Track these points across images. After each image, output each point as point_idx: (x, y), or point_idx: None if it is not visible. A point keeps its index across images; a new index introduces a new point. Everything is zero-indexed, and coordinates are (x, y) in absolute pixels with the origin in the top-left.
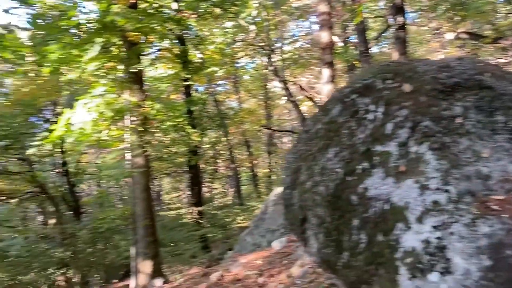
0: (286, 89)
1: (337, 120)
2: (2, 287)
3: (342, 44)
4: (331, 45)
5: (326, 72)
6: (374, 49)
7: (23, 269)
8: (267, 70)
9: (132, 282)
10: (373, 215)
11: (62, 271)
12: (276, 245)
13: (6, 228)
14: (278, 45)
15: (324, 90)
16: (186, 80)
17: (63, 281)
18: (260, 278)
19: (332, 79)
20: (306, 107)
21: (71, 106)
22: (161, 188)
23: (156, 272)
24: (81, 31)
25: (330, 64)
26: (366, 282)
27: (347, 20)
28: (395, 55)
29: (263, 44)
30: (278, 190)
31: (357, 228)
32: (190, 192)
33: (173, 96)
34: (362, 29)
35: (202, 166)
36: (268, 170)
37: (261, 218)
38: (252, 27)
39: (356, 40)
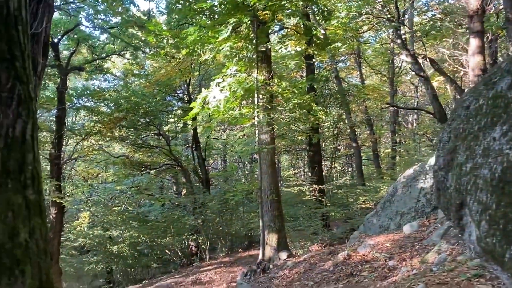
0: (416, 63)
1: (506, 95)
2: (144, 247)
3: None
4: (481, 11)
5: (474, 43)
6: None
7: (161, 233)
8: (393, 44)
9: (260, 252)
10: None
11: (193, 237)
12: (407, 229)
13: (146, 196)
14: (407, 16)
15: (471, 62)
16: (310, 57)
17: (194, 246)
18: (390, 261)
19: (481, 49)
20: (437, 83)
21: (202, 86)
22: (279, 165)
23: (281, 245)
24: (215, 13)
25: (479, 34)
26: None
27: None
28: None
29: (390, 16)
30: (408, 172)
31: None
32: (308, 170)
33: (293, 74)
34: None
35: (321, 144)
36: (391, 150)
37: (389, 200)
38: None
39: (501, 6)
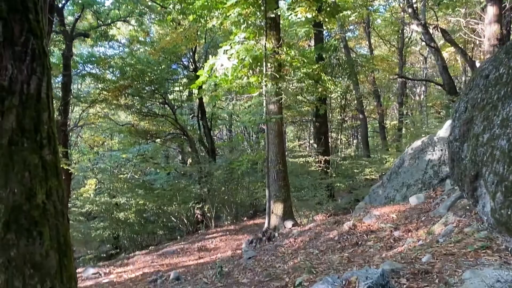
0: (426, 33)
1: None
2: (150, 214)
3: None
4: None
5: (491, 11)
6: None
7: (167, 201)
8: (403, 13)
9: (266, 221)
10: None
11: (199, 206)
12: (414, 200)
13: (152, 164)
14: None
15: (488, 31)
16: (320, 25)
17: (200, 214)
18: (395, 232)
19: (499, 18)
20: (447, 54)
21: (208, 54)
22: (285, 136)
23: (287, 214)
24: None
25: (497, 1)
26: None
27: None
28: None
29: None
30: (416, 143)
31: None
32: (314, 141)
33: (301, 43)
34: None
35: (328, 115)
36: (398, 122)
37: (396, 172)
38: None
39: None
